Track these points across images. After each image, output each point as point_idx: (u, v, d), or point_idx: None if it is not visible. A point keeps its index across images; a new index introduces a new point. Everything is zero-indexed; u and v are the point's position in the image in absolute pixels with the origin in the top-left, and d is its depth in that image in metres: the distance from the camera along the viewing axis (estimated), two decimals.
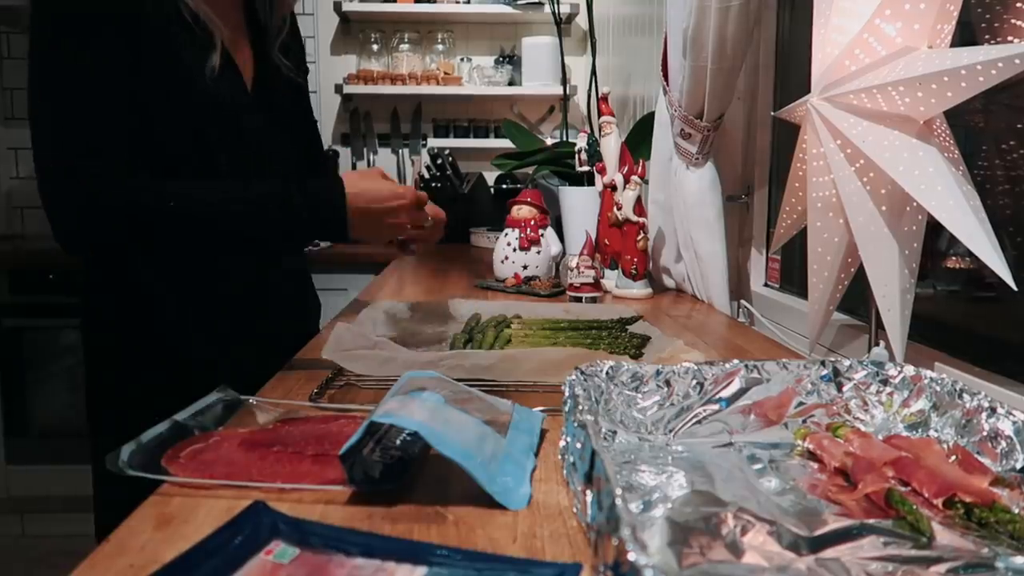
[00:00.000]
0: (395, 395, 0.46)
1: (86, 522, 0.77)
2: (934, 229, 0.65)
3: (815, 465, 0.46)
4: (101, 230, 0.68)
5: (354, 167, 2.37)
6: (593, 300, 1.05)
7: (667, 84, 1.10)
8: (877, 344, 0.67)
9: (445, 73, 2.27)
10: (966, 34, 0.68)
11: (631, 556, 0.27)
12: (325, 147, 2.34)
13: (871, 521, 0.39)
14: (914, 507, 0.39)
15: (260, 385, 0.64)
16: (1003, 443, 0.44)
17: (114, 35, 0.67)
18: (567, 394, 0.47)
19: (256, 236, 0.72)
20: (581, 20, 2.17)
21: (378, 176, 0.76)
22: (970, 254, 0.56)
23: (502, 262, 1.20)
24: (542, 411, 0.56)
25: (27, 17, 0.68)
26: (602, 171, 1.16)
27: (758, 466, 0.46)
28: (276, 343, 0.78)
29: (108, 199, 0.67)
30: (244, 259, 0.79)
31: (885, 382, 0.52)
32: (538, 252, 1.19)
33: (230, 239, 0.71)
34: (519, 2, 2.19)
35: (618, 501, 0.31)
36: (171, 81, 0.70)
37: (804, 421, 0.52)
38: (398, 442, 0.45)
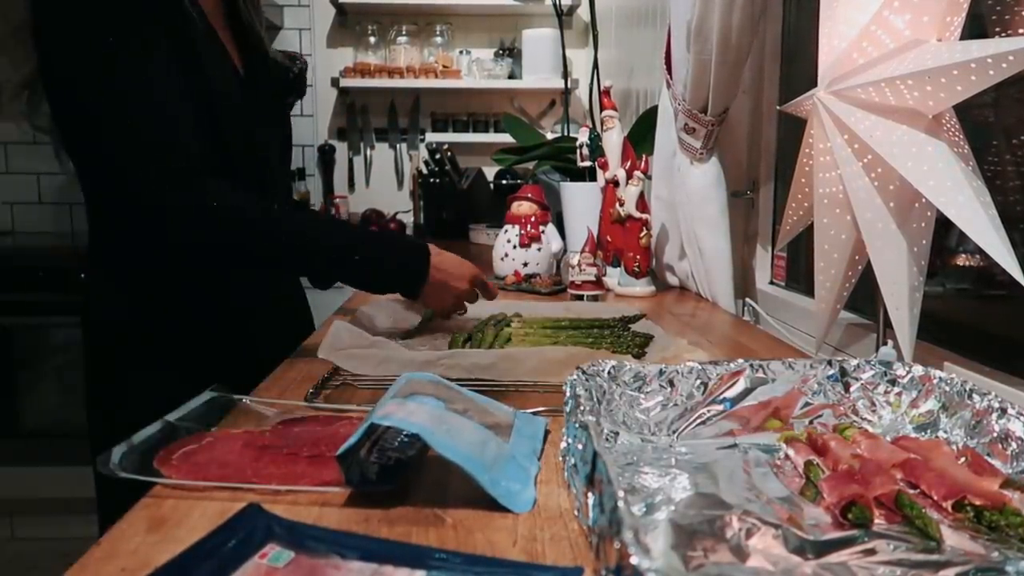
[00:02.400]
0: (394, 397, 0.45)
1: (78, 524, 0.77)
2: (943, 226, 0.65)
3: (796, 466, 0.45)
4: (213, 232, 0.68)
5: (351, 162, 2.36)
6: (595, 298, 1.04)
7: (670, 77, 1.09)
8: (885, 343, 0.66)
9: (444, 66, 2.26)
10: (976, 27, 0.67)
11: (634, 560, 0.27)
12: (322, 142, 2.34)
13: (879, 524, 0.38)
14: (923, 510, 0.38)
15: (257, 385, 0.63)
16: (1014, 444, 0.43)
17: (150, 37, 0.66)
18: (568, 394, 0.46)
19: (335, 276, 0.77)
20: (583, 12, 2.16)
21: (461, 261, 0.80)
22: (980, 251, 0.55)
23: (502, 259, 1.19)
24: (542, 411, 0.55)
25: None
26: (604, 166, 1.15)
27: (762, 468, 0.46)
28: (275, 343, 0.78)
29: (224, 204, 0.68)
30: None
31: (893, 382, 0.52)
32: (539, 249, 1.18)
33: (310, 272, 0.78)
34: None
35: (620, 503, 0.31)
36: (190, 79, 0.69)
37: (811, 422, 0.51)
38: (396, 444, 0.45)
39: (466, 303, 0.82)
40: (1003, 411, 0.45)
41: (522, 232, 1.18)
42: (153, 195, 0.66)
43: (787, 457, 0.47)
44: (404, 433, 0.45)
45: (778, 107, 0.89)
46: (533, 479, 0.44)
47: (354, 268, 0.73)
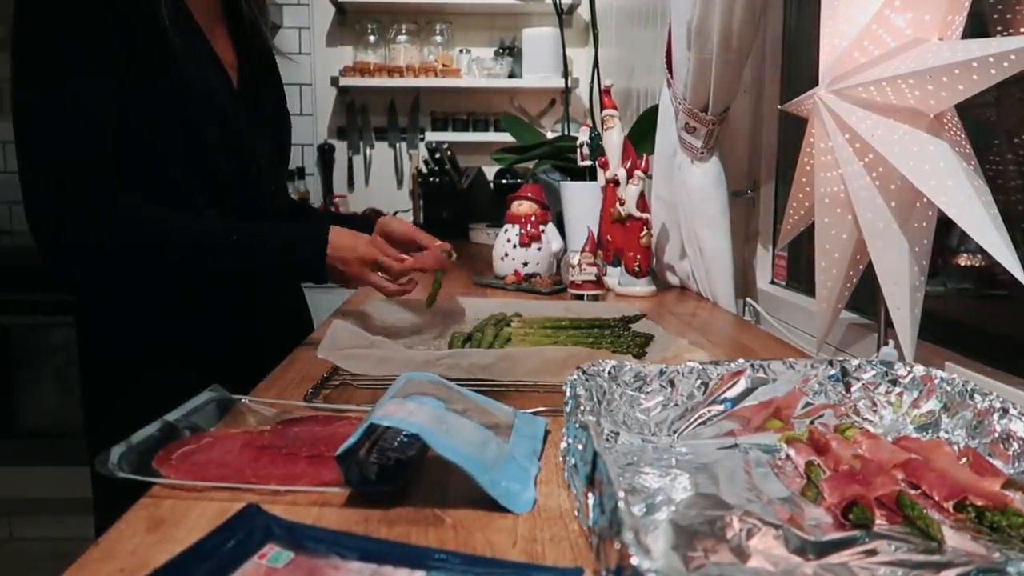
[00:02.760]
0: (394, 397, 0.45)
1: (76, 525, 0.77)
2: (945, 225, 0.64)
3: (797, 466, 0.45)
4: (85, 260, 0.68)
5: (350, 161, 2.36)
6: (595, 298, 1.04)
7: (671, 77, 1.08)
8: (886, 343, 0.66)
9: (444, 65, 2.25)
10: (978, 25, 0.67)
11: (634, 560, 0.27)
12: (321, 141, 2.33)
13: (880, 525, 0.38)
14: (924, 511, 0.38)
15: (256, 384, 0.63)
16: (1015, 445, 0.43)
17: (105, 41, 0.66)
18: (568, 394, 0.46)
19: (236, 273, 0.75)
20: (583, 11, 2.15)
21: (365, 240, 0.78)
22: (982, 251, 0.55)
23: (502, 259, 1.19)
24: (542, 411, 0.55)
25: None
26: (604, 166, 1.15)
27: (763, 468, 0.46)
28: (274, 343, 0.77)
29: (95, 231, 0.67)
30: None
31: (894, 382, 0.51)
32: (539, 249, 1.18)
33: (211, 273, 0.73)
34: None
35: (620, 504, 0.30)
36: (162, 79, 0.69)
37: (812, 422, 0.51)
38: (395, 444, 0.44)
39: (383, 261, 0.77)
40: (1004, 411, 0.44)
41: (522, 231, 1.18)
42: (33, 224, 0.67)
43: (788, 457, 0.47)
44: (404, 433, 0.44)
45: (779, 106, 0.88)
46: (533, 479, 0.44)
47: (249, 267, 0.74)
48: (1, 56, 0.73)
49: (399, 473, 0.43)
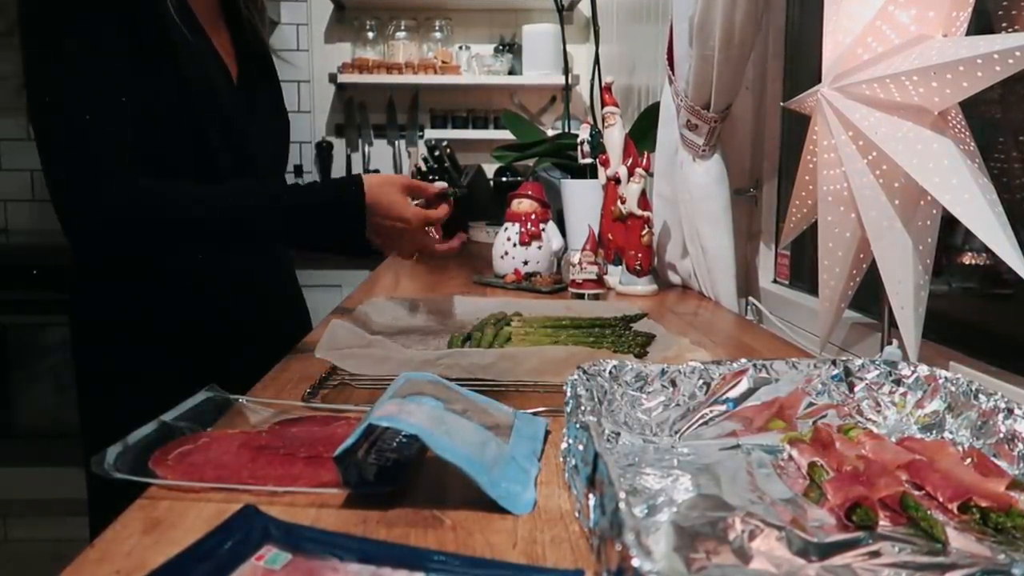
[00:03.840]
0: (393, 397, 0.44)
1: (73, 526, 0.76)
2: (949, 224, 0.64)
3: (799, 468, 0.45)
4: (120, 237, 0.69)
5: (348, 159, 2.35)
6: (596, 297, 1.03)
7: (672, 73, 1.08)
8: (890, 343, 0.66)
9: (443, 62, 2.25)
10: (982, 22, 0.67)
11: (635, 562, 0.27)
12: (319, 139, 2.33)
13: (884, 526, 0.38)
14: (928, 512, 0.38)
15: (254, 384, 0.63)
16: (1020, 445, 0.43)
17: (112, 34, 0.67)
18: (569, 394, 0.46)
19: (273, 235, 0.74)
20: (584, 7, 2.15)
21: (398, 188, 0.75)
22: (986, 250, 0.55)
23: (502, 258, 1.19)
24: (543, 412, 0.55)
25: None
26: (605, 163, 1.14)
27: (766, 469, 0.45)
28: (271, 342, 0.77)
29: (127, 207, 0.67)
30: (237, 257, 0.80)
31: (898, 382, 0.51)
32: (539, 247, 1.17)
33: (247, 239, 0.73)
34: None
35: (621, 505, 0.30)
36: (165, 76, 0.70)
37: (814, 422, 0.50)
38: (394, 444, 0.44)
39: (428, 232, 0.77)
40: (1009, 411, 0.44)
41: (522, 230, 1.17)
42: (61, 208, 0.67)
43: (790, 458, 0.46)
44: (402, 434, 0.44)
45: (782, 103, 0.88)
46: (533, 480, 0.44)
47: (284, 225, 0.71)
48: (1, 52, 0.74)
49: (398, 474, 0.43)
